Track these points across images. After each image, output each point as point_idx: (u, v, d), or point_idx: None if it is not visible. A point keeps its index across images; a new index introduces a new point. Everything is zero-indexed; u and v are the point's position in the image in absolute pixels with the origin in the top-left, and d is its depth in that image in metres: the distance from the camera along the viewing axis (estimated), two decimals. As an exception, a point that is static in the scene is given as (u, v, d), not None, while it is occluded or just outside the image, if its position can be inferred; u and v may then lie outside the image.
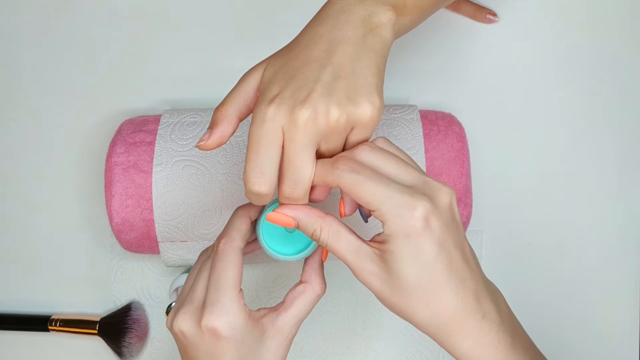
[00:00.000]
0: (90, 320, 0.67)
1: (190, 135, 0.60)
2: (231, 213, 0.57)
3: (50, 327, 0.67)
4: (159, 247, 0.61)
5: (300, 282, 0.50)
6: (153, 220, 0.59)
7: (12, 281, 0.69)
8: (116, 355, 0.67)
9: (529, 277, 0.68)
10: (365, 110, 0.44)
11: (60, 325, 0.67)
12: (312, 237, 0.47)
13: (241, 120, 0.48)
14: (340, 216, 0.48)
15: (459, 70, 0.68)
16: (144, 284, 0.68)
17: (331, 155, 0.46)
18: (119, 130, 0.62)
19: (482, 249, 0.68)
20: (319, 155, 0.46)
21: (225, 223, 0.51)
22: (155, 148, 0.60)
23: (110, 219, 0.60)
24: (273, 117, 0.44)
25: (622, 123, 0.68)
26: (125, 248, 0.62)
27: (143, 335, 0.68)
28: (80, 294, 0.69)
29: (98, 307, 0.68)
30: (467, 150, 0.61)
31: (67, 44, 0.68)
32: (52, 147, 0.69)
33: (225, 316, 0.47)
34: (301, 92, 0.44)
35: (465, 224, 0.62)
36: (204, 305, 0.48)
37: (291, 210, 0.47)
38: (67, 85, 0.69)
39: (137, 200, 0.59)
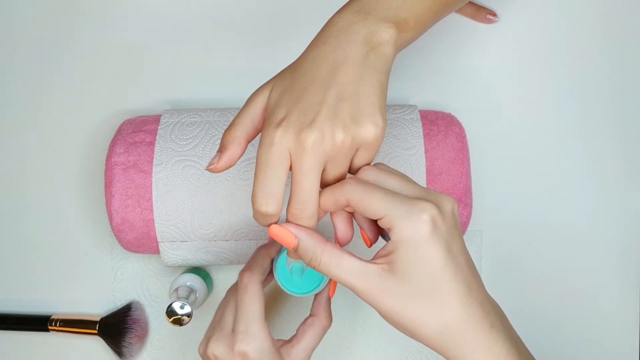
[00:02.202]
0: (90, 320, 0.67)
1: (190, 135, 0.60)
2: (231, 213, 0.59)
3: (50, 327, 0.67)
4: (159, 247, 0.61)
5: (310, 315, 0.56)
6: (153, 220, 0.59)
7: (12, 281, 0.69)
8: (116, 355, 0.67)
9: (529, 277, 0.68)
10: (369, 131, 0.45)
11: (60, 325, 0.67)
12: (310, 264, 0.47)
13: (249, 142, 0.49)
14: (368, 245, 0.49)
15: (459, 70, 0.68)
16: (144, 284, 0.68)
17: (337, 177, 0.47)
18: (119, 130, 0.62)
19: (482, 249, 0.68)
20: (325, 179, 0.47)
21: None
22: (155, 148, 0.60)
23: (110, 219, 0.60)
24: (280, 140, 0.44)
25: (623, 123, 0.68)
26: (125, 248, 0.62)
27: (143, 335, 0.68)
28: (80, 294, 0.69)
29: (98, 307, 0.68)
30: (467, 150, 0.61)
31: (67, 43, 0.68)
32: (52, 147, 0.69)
33: (254, 342, 0.52)
34: (307, 115, 0.45)
35: (465, 224, 0.62)
36: (234, 332, 0.53)
37: (295, 227, 0.47)
38: (67, 85, 0.68)
39: (137, 200, 0.59)
